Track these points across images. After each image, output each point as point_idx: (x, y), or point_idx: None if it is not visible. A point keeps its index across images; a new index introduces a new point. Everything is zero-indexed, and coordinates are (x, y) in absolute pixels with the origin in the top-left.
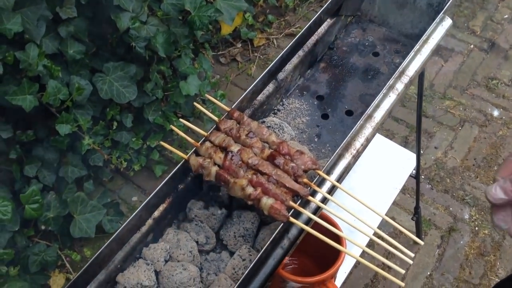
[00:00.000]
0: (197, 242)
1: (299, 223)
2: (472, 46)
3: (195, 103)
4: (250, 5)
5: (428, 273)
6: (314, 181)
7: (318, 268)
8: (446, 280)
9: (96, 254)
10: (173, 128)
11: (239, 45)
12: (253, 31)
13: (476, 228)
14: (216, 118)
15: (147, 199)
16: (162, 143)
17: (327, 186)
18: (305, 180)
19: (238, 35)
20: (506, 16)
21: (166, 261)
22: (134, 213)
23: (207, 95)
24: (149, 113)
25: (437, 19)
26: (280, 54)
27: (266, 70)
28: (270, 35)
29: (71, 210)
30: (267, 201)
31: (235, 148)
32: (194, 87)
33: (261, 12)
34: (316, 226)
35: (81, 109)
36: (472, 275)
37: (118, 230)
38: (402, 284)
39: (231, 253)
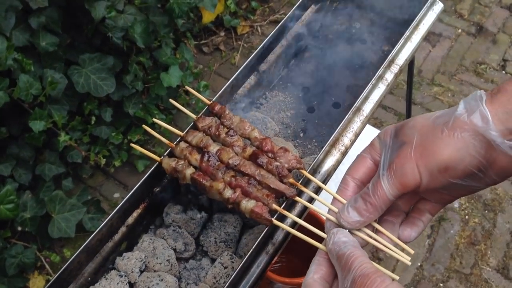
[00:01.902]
0: (175, 249)
1: (285, 226)
2: (460, 30)
3: (171, 100)
4: None
5: (419, 263)
6: (301, 181)
7: (306, 266)
8: (437, 270)
9: (63, 268)
10: (146, 129)
11: (222, 33)
12: (236, 19)
13: (466, 217)
14: (193, 115)
15: (119, 205)
16: (132, 145)
17: (314, 185)
18: (291, 180)
19: (221, 23)
20: None
21: (141, 272)
22: (105, 222)
23: (187, 87)
24: (129, 106)
25: (428, 3)
26: (262, 44)
27: (247, 61)
28: (254, 23)
29: (49, 210)
30: (247, 205)
31: (214, 148)
32: (175, 78)
33: None
34: (304, 226)
35: (56, 104)
36: (463, 265)
37: (88, 240)
38: (397, 277)
39: (212, 260)
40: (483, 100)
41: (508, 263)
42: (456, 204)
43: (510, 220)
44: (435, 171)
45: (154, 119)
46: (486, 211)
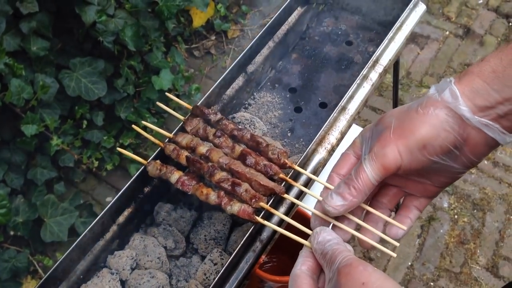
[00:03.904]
0: (165, 247)
1: (270, 225)
2: (447, 32)
3: (158, 103)
4: None
5: (409, 263)
6: (289, 175)
7: None
8: (427, 269)
9: (55, 265)
10: (137, 129)
11: (213, 37)
12: (226, 23)
13: (456, 216)
14: (182, 117)
15: (110, 204)
16: (119, 149)
17: (302, 180)
18: (281, 175)
19: (211, 27)
20: (481, 1)
21: (132, 269)
22: (96, 220)
23: (167, 93)
24: (121, 110)
25: (411, 5)
26: (249, 45)
27: (234, 62)
28: (244, 26)
29: (41, 214)
30: (231, 209)
31: (204, 148)
32: (167, 81)
33: (234, 3)
34: (291, 224)
35: (48, 108)
36: (453, 264)
37: (79, 239)
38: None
39: (202, 258)
40: (452, 81)
41: (497, 261)
42: (445, 203)
43: (499, 219)
44: (415, 149)
45: (144, 122)
46: (475, 211)
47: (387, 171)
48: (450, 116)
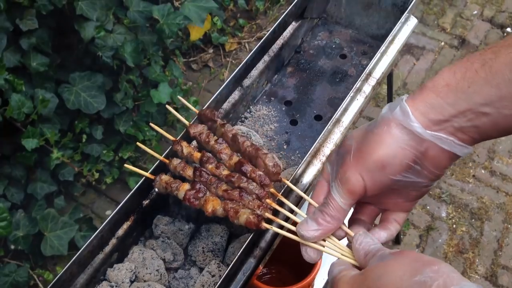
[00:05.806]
0: (164, 259)
1: (275, 228)
2: (442, 43)
3: (167, 106)
4: (220, 9)
5: None
6: (282, 191)
7: (295, 277)
8: None
9: (54, 280)
10: (140, 145)
11: (210, 50)
12: (224, 36)
13: (454, 226)
14: (187, 122)
15: (109, 217)
16: (126, 165)
17: (294, 197)
18: (272, 190)
19: (209, 40)
20: (475, 12)
21: (131, 282)
22: (95, 233)
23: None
24: (120, 124)
25: (402, 19)
26: (244, 60)
27: (231, 76)
28: (241, 39)
29: (41, 228)
30: (239, 221)
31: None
32: (165, 95)
33: (231, 16)
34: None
35: (48, 122)
36: None
37: (79, 252)
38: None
39: (200, 270)
40: (404, 99)
41: (496, 270)
42: (443, 213)
43: (497, 228)
44: (375, 171)
45: (151, 123)
46: (473, 220)
47: (354, 195)
48: (404, 133)
